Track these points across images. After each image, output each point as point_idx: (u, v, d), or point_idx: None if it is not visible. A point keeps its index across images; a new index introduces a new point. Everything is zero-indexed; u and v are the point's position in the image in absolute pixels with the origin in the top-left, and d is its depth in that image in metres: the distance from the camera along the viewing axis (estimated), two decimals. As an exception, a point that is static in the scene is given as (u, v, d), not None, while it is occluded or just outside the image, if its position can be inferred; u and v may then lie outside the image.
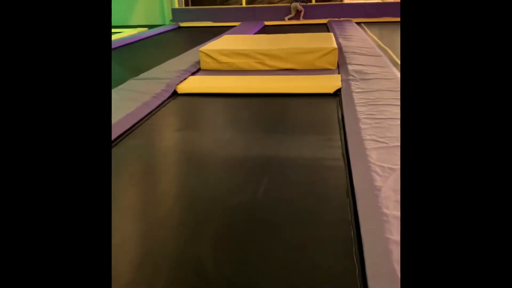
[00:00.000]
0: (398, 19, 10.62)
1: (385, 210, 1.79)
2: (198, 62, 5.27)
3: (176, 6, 12.15)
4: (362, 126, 2.83)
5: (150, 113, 3.57)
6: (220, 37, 6.66)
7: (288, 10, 10.81)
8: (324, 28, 9.31)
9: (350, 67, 4.61)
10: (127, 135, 3.08)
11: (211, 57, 5.12)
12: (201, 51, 5.17)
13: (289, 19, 9.72)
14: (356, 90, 3.71)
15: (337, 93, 3.94)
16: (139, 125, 3.30)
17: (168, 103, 3.92)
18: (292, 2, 8.84)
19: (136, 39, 8.92)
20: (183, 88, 4.27)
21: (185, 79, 4.60)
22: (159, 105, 3.79)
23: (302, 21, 10.15)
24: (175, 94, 4.18)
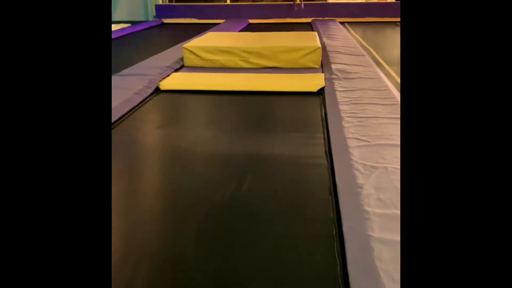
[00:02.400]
0: (382, 19, 10.74)
1: (367, 208, 1.81)
2: (182, 59, 5.22)
3: (160, 2, 12.02)
4: (345, 124, 2.85)
5: (132, 109, 3.52)
6: (204, 34, 6.62)
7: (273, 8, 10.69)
8: (308, 27, 9.34)
9: (333, 66, 4.63)
10: (108, 131, 3.02)
11: (194, 54, 5.08)
12: (184, 48, 5.12)
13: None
14: (339, 89, 3.73)
15: (321, 91, 3.96)
16: (121, 122, 3.26)
17: (150, 99, 3.87)
18: None
19: (119, 35, 8.79)
20: (166, 84, 4.22)
21: (168, 75, 4.56)
22: (142, 101, 3.74)
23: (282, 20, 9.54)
24: (157, 90, 4.14)
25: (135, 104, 3.62)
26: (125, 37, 8.67)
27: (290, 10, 10.90)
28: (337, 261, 1.59)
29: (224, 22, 10.36)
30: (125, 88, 3.85)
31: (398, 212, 1.77)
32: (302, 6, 8.16)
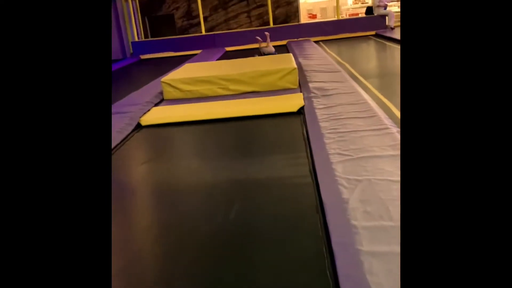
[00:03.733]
0: (354, 34, 10.98)
1: (354, 222, 1.81)
2: (161, 93, 5.26)
3: (136, 39, 12.15)
4: (326, 141, 2.88)
5: (115, 148, 3.51)
6: (182, 66, 6.69)
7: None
8: (284, 49, 9.50)
9: (311, 85, 4.70)
10: (92, 172, 3.00)
11: (173, 86, 5.12)
12: (163, 82, 5.16)
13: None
14: (318, 107, 3.78)
15: (301, 111, 4.01)
16: (104, 161, 3.24)
17: (132, 136, 3.87)
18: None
19: (97, 75, 8.81)
20: (146, 119, 4.23)
21: (148, 110, 4.58)
22: (123, 139, 3.74)
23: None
24: (139, 126, 4.14)
25: (117, 142, 3.61)
26: (104, 77, 8.68)
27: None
28: (329, 278, 1.59)
29: (200, 52, 10.50)
30: (106, 128, 3.84)
31: (385, 223, 1.77)
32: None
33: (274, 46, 7.86)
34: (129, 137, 3.83)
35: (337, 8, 11.74)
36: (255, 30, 11.21)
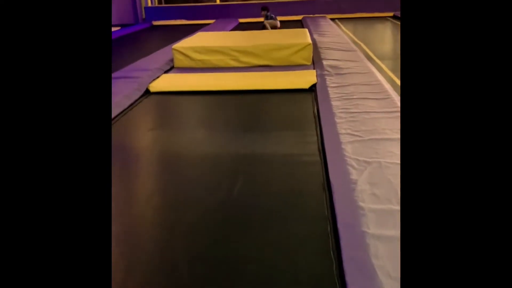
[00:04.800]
0: (371, 14, 10.74)
1: (361, 204, 1.77)
2: (172, 60, 5.17)
3: (149, 4, 11.95)
4: (338, 120, 2.81)
5: (122, 113, 3.47)
6: (194, 34, 6.57)
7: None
8: (299, 24, 9.31)
9: (325, 62, 4.60)
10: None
11: (184, 54, 5.03)
12: (174, 49, 5.07)
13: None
14: (331, 85, 3.70)
15: (313, 88, 3.93)
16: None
17: (140, 102, 3.82)
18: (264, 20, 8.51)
19: (108, 38, 8.72)
20: (155, 86, 4.17)
21: (157, 77, 4.51)
22: (131, 104, 3.69)
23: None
24: (147, 93, 4.09)
25: (125, 107, 3.56)
26: (114, 40, 8.60)
27: (280, 8, 10.86)
28: (333, 259, 1.56)
29: (214, 22, 10.32)
30: (114, 92, 3.79)
31: (393, 207, 1.73)
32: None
33: (289, 21, 7.73)
34: (136, 102, 3.78)
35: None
36: (270, 2, 10.97)
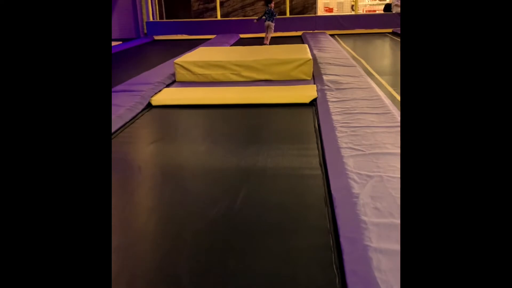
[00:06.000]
0: (370, 30, 10.85)
1: (364, 217, 1.78)
2: (173, 74, 5.22)
3: (151, 19, 12.08)
4: (338, 134, 2.83)
5: (124, 126, 3.49)
6: (196, 49, 6.63)
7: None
8: (299, 40, 9.41)
9: (325, 77, 4.64)
10: (100, 148, 2.98)
11: (186, 68, 5.08)
12: (176, 63, 5.12)
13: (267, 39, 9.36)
14: (331, 100, 3.73)
15: (313, 102, 3.96)
16: (113, 138, 3.22)
17: (142, 115, 3.85)
18: (266, 21, 8.65)
19: (110, 52, 8.79)
20: (157, 100, 4.20)
21: (159, 91, 4.55)
22: (133, 117, 3.72)
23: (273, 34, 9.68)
24: (149, 106, 4.11)
25: (127, 120, 3.59)
26: (116, 54, 8.67)
27: (281, 24, 10.98)
28: (336, 273, 1.56)
29: (215, 37, 10.42)
30: (117, 105, 3.82)
31: (396, 220, 1.74)
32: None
33: (290, 37, 7.83)
34: (139, 115, 3.80)
35: (356, 2, 11.57)
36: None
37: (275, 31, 9.01)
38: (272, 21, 8.40)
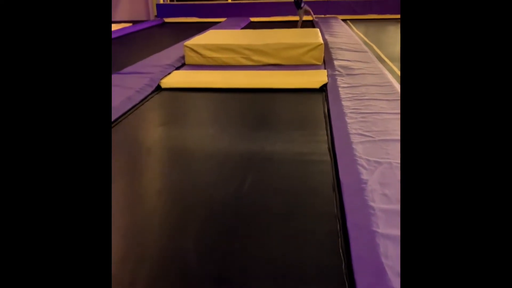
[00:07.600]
0: (383, 16, 10.68)
1: (372, 204, 1.77)
2: (183, 57, 5.20)
3: (161, 1, 12.00)
4: (348, 120, 2.81)
5: (133, 108, 3.50)
6: (206, 32, 6.58)
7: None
8: (310, 25, 9.29)
9: (336, 63, 4.59)
10: (109, 129, 2.99)
11: (196, 51, 5.05)
12: (185, 46, 5.09)
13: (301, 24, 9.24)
14: (342, 85, 3.69)
15: (323, 88, 3.92)
16: (122, 120, 3.23)
17: (151, 97, 3.84)
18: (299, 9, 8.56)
19: (120, 34, 8.78)
20: (167, 82, 4.19)
21: (169, 73, 4.53)
22: (142, 99, 3.72)
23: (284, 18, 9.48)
24: (159, 88, 4.11)
25: (136, 102, 3.59)
26: (126, 36, 8.66)
27: (292, 9, 10.84)
28: (342, 258, 1.56)
29: (225, 20, 10.33)
30: (126, 87, 3.82)
31: (404, 207, 1.73)
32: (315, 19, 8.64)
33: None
34: (148, 98, 3.80)
35: (369, -13, 11.36)
36: (281, 2, 10.96)
37: (287, 15, 8.91)
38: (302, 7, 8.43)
